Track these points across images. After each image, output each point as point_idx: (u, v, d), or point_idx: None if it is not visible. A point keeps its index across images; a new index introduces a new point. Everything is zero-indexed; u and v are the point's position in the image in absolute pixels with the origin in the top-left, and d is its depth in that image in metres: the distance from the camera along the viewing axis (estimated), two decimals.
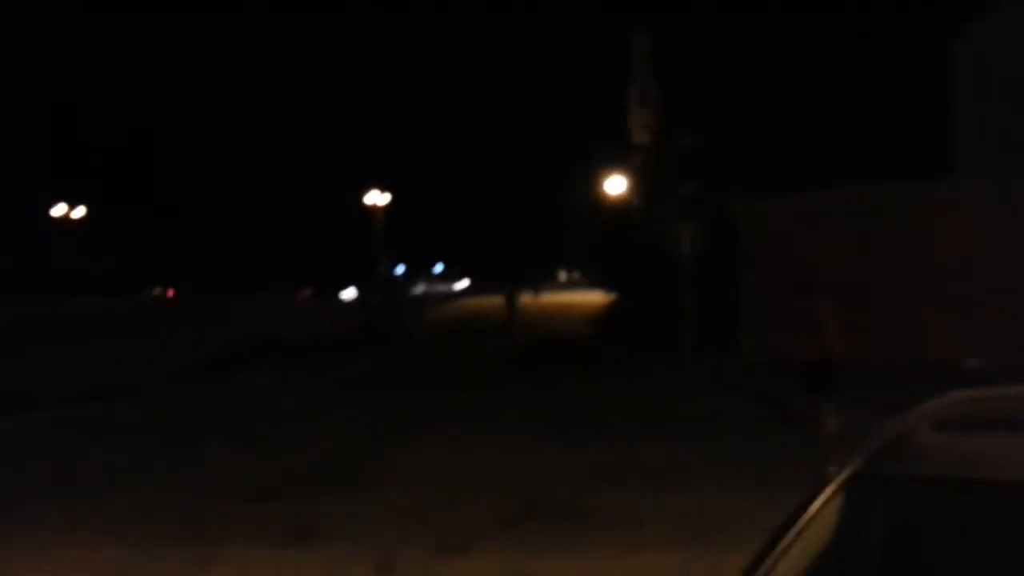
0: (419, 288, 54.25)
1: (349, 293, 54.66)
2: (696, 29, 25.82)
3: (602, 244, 29.95)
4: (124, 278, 54.33)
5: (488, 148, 62.85)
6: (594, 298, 40.47)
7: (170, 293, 63.56)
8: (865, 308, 13.57)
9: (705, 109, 23.26)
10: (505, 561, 5.19)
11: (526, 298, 38.60)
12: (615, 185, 32.76)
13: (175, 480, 7.62)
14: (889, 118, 20.68)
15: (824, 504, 1.55)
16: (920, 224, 13.30)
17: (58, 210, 47.68)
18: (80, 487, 7.40)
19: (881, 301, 13.40)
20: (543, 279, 53.29)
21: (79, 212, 48.53)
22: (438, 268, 52.01)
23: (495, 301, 44.36)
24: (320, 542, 5.70)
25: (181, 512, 6.52)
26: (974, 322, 12.61)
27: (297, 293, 57.72)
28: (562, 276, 63.50)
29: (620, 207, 29.53)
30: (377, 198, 45.61)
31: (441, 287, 60.30)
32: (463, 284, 65.46)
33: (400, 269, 55.03)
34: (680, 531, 5.55)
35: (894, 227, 13.50)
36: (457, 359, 18.54)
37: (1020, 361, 11.89)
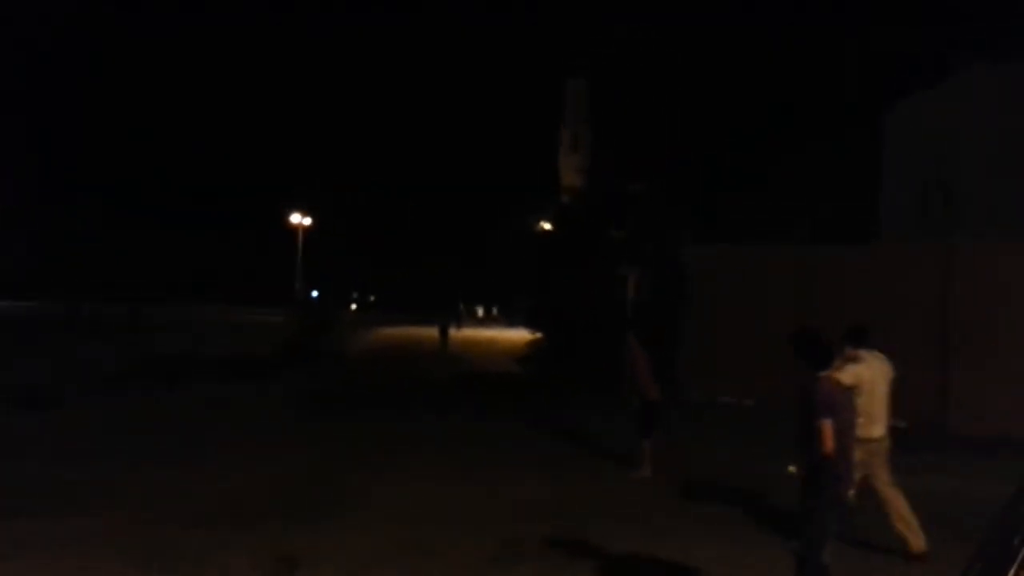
0: None
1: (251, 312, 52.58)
2: (631, 77, 26.55)
3: (529, 283, 30.10)
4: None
5: (417, 183, 62.86)
6: (514, 335, 40.59)
7: None
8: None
9: (639, 155, 23.90)
10: None
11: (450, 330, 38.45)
12: (544, 225, 33.15)
13: (124, 503, 7.06)
14: (819, 181, 21.72)
15: None
16: (858, 285, 13.86)
17: None
18: (15, 506, 6.79)
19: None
20: (463, 314, 53.22)
21: None
22: (313, 294, 50.77)
23: (415, 331, 44.16)
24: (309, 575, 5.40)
25: (142, 538, 6.04)
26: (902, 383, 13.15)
27: None
28: (479, 312, 63.46)
29: (550, 246, 29.81)
30: (300, 219, 44.86)
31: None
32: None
33: (314, 293, 53.93)
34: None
35: (833, 286, 14.05)
36: (393, 385, 18.15)
37: (939, 423, 12.48)
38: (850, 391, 4.80)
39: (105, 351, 22.21)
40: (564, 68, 31.65)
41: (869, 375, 6.09)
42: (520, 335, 36.89)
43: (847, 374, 5.55)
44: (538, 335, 26.00)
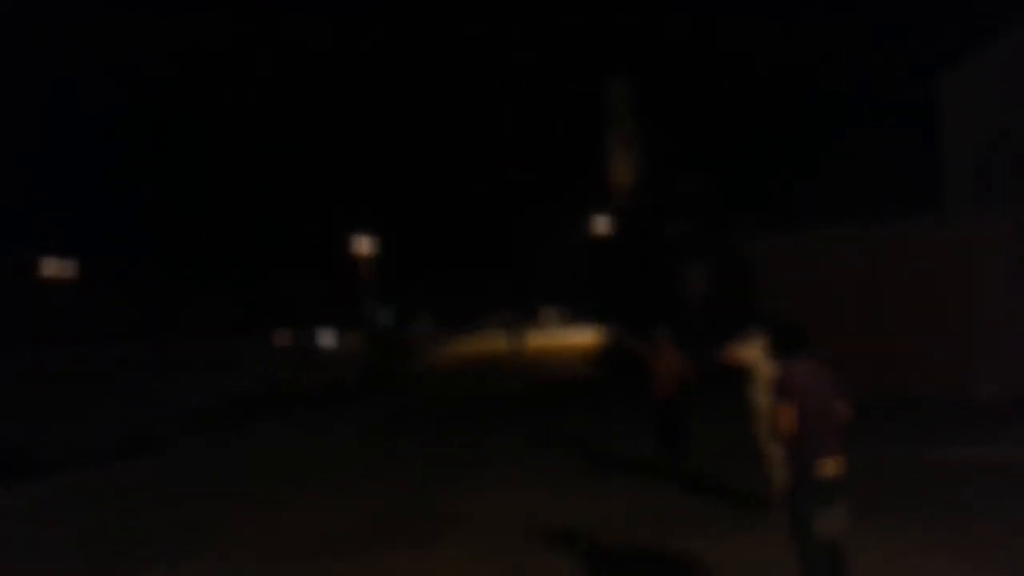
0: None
1: (327, 339, 53.41)
2: (682, 70, 26.39)
3: (595, 285, 30.30)
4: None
5: (471, 192, 63.43)
6: (588, 337, 40.69)
7: None
8: (877, 341, 13.91)
9: (691, 148, 23.82)
10: None
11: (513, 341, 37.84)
12: (601, 225, 33.35)
13: (234, 541, 7.56)
14: (877, 153, 21.33)
15: None
16: (928, 258, 13.65)
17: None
18: (135, 555, 7.33)
19: (893, 334, 13.71)
20: (526, 319, 53.21)
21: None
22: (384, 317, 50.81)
23: (486, 343, 44.66)
24: None
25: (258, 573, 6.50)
26: (983, 354, 12.91)
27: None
28: (550, 314, 63.51)
29: (610, 247, 29.95)
30: (364, 246, 45.61)
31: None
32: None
33: (385, 316, 54.88)
34: None
35: (902, 261, 13.86)
36: (474, 402, 18.42)
37: None
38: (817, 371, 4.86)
39: (198, 390, 23.19)
40: (605, 66, 31.57)
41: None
42: (594, 337, 37.06)
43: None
44: (607, 336, 26.14)
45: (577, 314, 57.09)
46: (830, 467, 4.56)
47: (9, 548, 7.82)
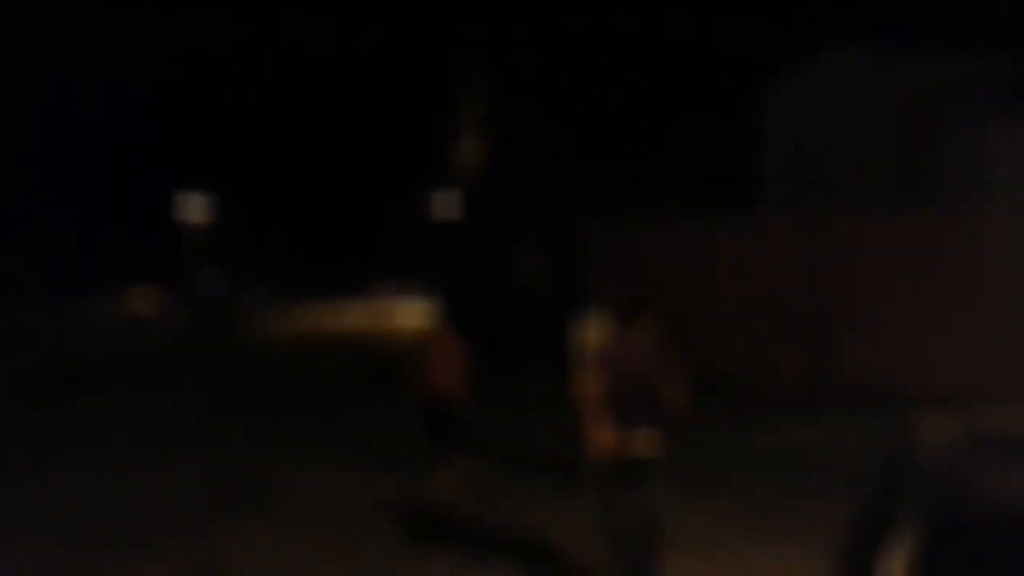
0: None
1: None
2: (534, 54, 26.74)
3: (437, 261, 30.33)
4: None
5: (314, 163, 61.50)
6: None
7: None
8: (689, 334, 14.76)
9: (538, 136, 24.33)
10: None
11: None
12: (445, 205, 33.50)
13: (32, 524, 7.04)
14: (706, 158, 22.74)
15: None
16: (735, 254, 14.62)
17: None
18: None
19: (706, 326, 14.62)
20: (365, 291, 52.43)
21: None
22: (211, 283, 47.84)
23: (330, 315, 43.42)
24: None
25: (60, 556, 6.11)
26: (784, 345, 14.04)
27: None
28: (389, 289, 62.74)
29: (453, 228, 30.11)
30: (194, 208, 43.18)
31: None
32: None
33: (212, 282, 52.37)
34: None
35: (717, 255, 14.78)
36: (308, 376, 17.94)
37: (820, 382, 13.43)
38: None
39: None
40: (456, 45, 31.58)
41: None
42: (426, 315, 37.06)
43: None
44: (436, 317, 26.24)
45: (417, 290, 57.01)
46: (644, 443, 4.61)
47: None
